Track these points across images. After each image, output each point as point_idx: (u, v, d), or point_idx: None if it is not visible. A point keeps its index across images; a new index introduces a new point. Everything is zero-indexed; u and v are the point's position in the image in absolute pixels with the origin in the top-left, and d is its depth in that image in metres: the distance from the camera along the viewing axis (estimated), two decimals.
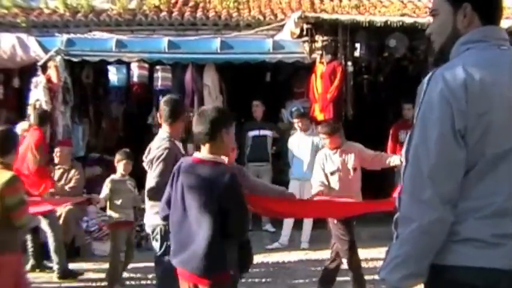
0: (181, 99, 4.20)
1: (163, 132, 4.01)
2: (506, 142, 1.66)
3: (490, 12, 1.79)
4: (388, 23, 7.63)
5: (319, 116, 7.67)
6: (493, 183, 1.66)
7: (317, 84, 7.70)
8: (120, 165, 5.52)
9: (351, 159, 5.12)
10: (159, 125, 8.59)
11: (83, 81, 8.19)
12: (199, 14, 10.64)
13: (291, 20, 8.27)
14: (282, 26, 9.15)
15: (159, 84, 7.81)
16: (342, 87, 7.62)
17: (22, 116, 7.54)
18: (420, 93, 1.73)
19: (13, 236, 3.60)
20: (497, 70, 1.68)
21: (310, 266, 6.18)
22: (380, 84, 8.93)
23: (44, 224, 5.78)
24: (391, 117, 8.51)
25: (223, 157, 3.05)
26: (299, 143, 7.29)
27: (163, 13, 10.59)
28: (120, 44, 8.02)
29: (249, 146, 7.93)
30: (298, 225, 7.08)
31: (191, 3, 11.30)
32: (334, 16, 8.27)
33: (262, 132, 7.94)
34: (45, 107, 7.25)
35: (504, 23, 6.94)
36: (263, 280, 5.79)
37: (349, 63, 7.76)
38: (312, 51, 7.90)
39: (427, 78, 1.72)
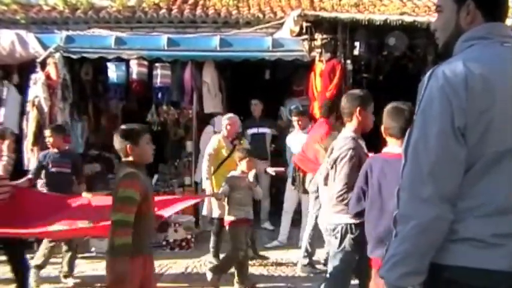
0: (367, 93, 4.09)
1: (348, 131, 3.94)
2: (508, 140, 1.64)
3: (493, 9, 1.78)
4: (388, 21, 7.62)
5: (318, 115, 7.66)
6: (494, 182, 1.64)
7: (316, 82, 7.70)
8: (243, 163, 5.50)
9: None
10: (159, 123, 8.57)
11: (82, 78, 8.18)
12: (198, 11, 10.63)
13: (291, 18, 8.26)
14: (282, 24, 9.15)
15: (158, 81, 7.80)
16: (341, 86, 7.61)
17: (21, 112, 7.53)
18: (421, 89, 1.71)
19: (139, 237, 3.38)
20: (500, 67, 1.66)
21: None
22: (379, 82, 8.92)
23: None
24: None
25: None
26: (297, 141, 7.27)
27: (163, 10, 10.58)
28: (119, 41, 8.01)
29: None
30: (296, 223, 7.08)
31: (190, 1, 11.30)
32: (333, 14, 8.26)
33: (261, 130, 7.95)
34: (43, 103, 7.25)
35: (508, 21, 6.95)
36: (262, 279, 5.79)
37: (349, 61, 7.76)
38: (311, 49, 7.91)
39: (428, 74, 1.71)
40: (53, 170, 5.74)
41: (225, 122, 6.53)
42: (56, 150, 5.80)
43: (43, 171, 5.76)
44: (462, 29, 1.79)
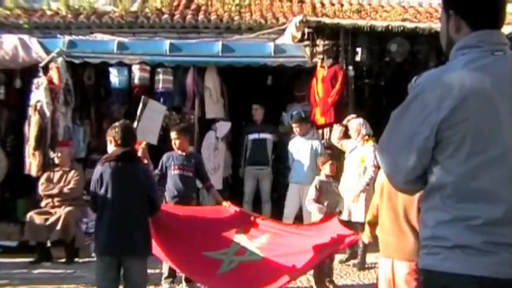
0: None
1: None
2: (494, 148, 1.65)
3: (476, 17, 1.77)
4: (390, 27, 7.64)
5: (320, 120, 7.67)
6: (485, 190, 1.64)
7: (318, 88, 7.71)
8: (326, 166, 5.55)
9: None
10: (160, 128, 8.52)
11: (84, 83, 8.19)
12: (201, 17, 10.66)
13: (293, 24, 8.27)
14: (284, 29, 9.16)
15: (160, 86, 7.82)
16: (343, 92, 7.63)
17: (23, 116, 7.55)
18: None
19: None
20: (481, 77, 1.67)
21: None
22: (381, 88, 8.94)
23: None
24: None
25: None
26: (299, 147, 7.27)
27: (165, 16, 10.61)
28: (121, 46, 8.04)
29: (248, 149, 7.91)
30: (298, 221, 7.02)
31: (193, 6, 11.33)
32: (335, 20, 8.29)
33: (262, 135, 7.92)
34: (46, 108, 7.26)
35: (506, 29, 6.96)
36: None
37: (350, 67, 7.77)
38: (313, 55, 7.92)
39: (413, 80, 1.81)
40: (176, 172, 5.57)
41: None
42: (180, 152, 5.67)
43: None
44: (451, 38, 1.82)
